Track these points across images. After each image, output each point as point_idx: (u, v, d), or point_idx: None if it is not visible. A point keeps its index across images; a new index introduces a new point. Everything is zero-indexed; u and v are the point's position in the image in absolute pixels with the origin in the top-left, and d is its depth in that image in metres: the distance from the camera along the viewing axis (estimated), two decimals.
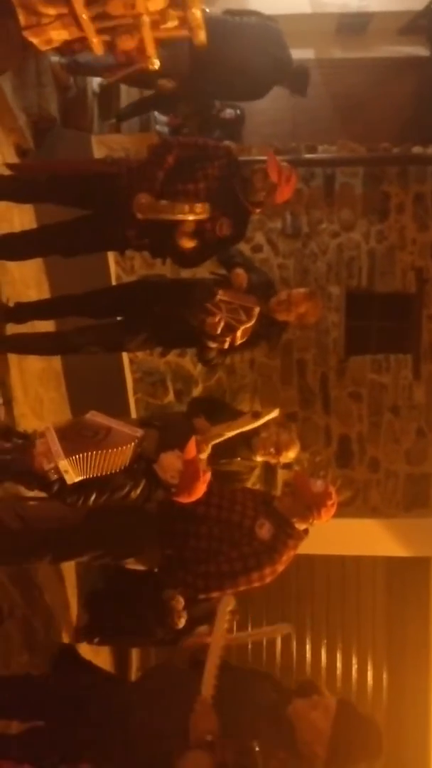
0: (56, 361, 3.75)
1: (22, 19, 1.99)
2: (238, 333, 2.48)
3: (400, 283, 4.21)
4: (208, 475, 2.09)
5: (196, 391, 4.25)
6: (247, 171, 2.57)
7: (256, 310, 2.50)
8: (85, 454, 1.91)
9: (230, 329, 2.46)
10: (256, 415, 2.54)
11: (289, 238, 4.07)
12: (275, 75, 3.55)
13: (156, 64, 2.06)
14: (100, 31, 1.99)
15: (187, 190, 2.50)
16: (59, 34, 2.05)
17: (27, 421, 3.17)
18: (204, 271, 2.95)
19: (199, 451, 2.21)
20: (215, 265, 2.83)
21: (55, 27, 2.01)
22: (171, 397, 4.26)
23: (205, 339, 2.54)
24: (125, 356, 4.06)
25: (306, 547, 2.32)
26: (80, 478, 1.95)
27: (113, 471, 1.98)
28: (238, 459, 2.66)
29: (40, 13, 1.97)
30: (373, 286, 4.20)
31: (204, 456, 2.29)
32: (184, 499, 2.10)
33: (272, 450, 2.56)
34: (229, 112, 4.40)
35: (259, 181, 2.51)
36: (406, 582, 4.72)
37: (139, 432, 2.04)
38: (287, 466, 2.62)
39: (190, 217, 2.44)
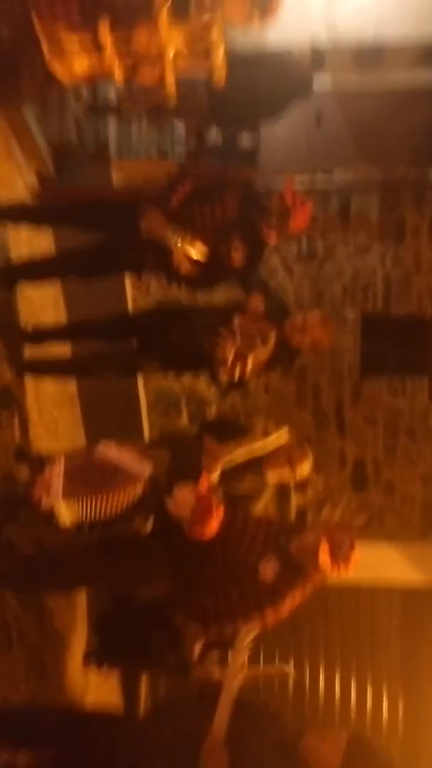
0: (71, 383, 3.79)
1: (45, 48, 2.04)
2: (249, 361, 2.48)
3: (416, 307, 4.20)
4: (222, 510, 2.06)
5: (210, 414, 4.25)
6: (263, 198, 2.61)
7: (273, 335, 2.51)
8: (83, 498, 1.93)
9: (241, 358, 2.47)
10: (266, 433, 2.52)
11: (304, 261, 4.10)
12: (294, 93, 3.64)
13: (173, 100, 2.11)
14: (122, 57, 2.02)
15: (204, 212, 2.54)
16: (82, 64, 2.10)
17: (41, 442, 3.20)
18: (220, 295, 2.98)
19: (209, 471, 2.20)
20: (231, 288, 2.86)
21: (78, 57, 2.07)
22: (185, 419, 4.27)
23: (216, 367, 2.55)
24: (140, 378, 4.09)
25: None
26: (73, 521, 1.96)
27: (117, 510, 1.98)
28: (249, 480, 2.64)
29: (64, 41, 2.03)
30: (388, 310, 4.20)
31: (214, 476, 2.27)
32: (198, 535, 2.07)
33: (285, 463, 2.53)
34: (245, 139, 4.48)
35: (276, 206, 2.55)
36: (422, 611, 4.61)
37: (148, 469, 2.04)
38: (301, 487, 2.58)
39: (184, 253, 2.44)
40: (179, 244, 2.45)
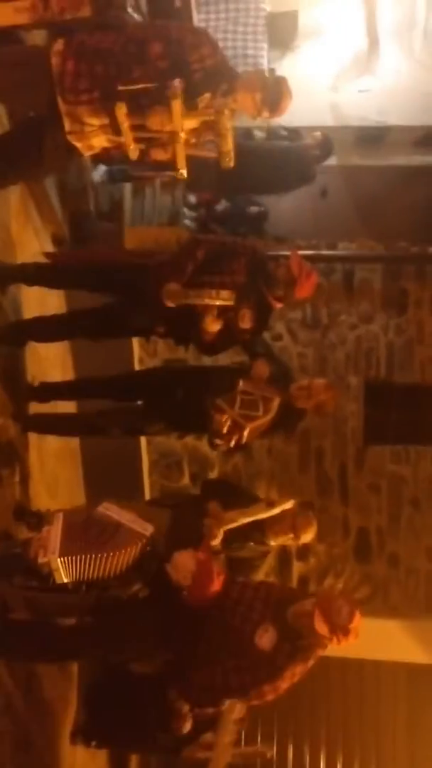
0: (74, 440, 3.78)
1: (67, 125, 2.18)
2: (245, 432, 2.48)
3: (419, 375, 4.24)
4: (223, 578, 2.00)
5: (212, 475, 4.21)
6: (270, 266, 2.69)
7: (276, 402, 2.53)
8: (81, 557, 1.89)
9: (238, 427, 2.48)
10: (271, 504, 2.48)
11: (308, 328, 4.18)
12: (300, 181, 3.86)
13: (184, 174, 2.23)
14: (137, 140, 2.16)
15: (213, 282, 2.61)
16: (100, 141, 2.24)
17: (41, 500, 3.15)
18: (225, 358, 3.02)
19: (211, 536, 2.15)
20: (237, 353, 2.90)
21: (97, 135, 2.21)
22: (186, 479, 4.22)
23: (212, 436, 2.55)
24: (142, 437, 4.08)
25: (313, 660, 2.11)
26: (69, 580, 1.92)
27: (115, 571, 1.93)
28: (251, 543, 2.58)
29: (85, 123, 2.17)
30: (391, 377, 4.24)
31: (216, 542, 2.22)
32: (196, 602, 2.00)
33: (289, 530, 2.47)
34: (253, 209, 4.68)
35: (282, 275, 2.62)
36: (430, 690, 4.38)
37: (149, 530, 2.00)
38: (303, 555, 2.51)
39: (217, 302, 2.54)
40: (207, 302, 2.50)
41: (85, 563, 1.90)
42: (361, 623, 2.01)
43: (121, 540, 1.93)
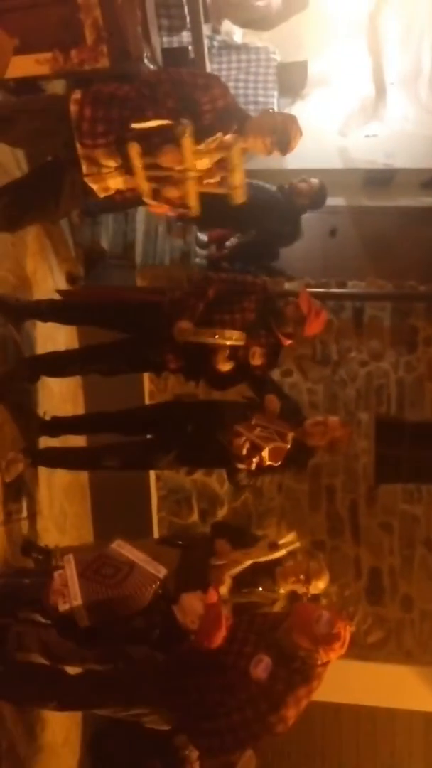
0: (83, 475, 3.78)
1: (84, 168, 2.27)
2: (264, 453, 2.47)
3: (429, 413, 4.21)
4: (230, 623, 1.95)
5: (222, 512, 4.16)
6: (280, 304, 2.73)
7: (290, 435, 2.53)
8: (100, 599, 1.87)
9: (256, 449, 2.47)
10: (273, 546, 2.42)
11: (319, 364, 4.19)
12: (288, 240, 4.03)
13: (196, 212, 2.29)
14: (150, 179, 2.23)
15: (224, 320, 2.65)
16: (115, 183, 2.32)
17: (49, 536, 3.13)
18: (234, 393, 3.02)
19: (218, 583, 2.11)
20: (247, 389, 2.91)
21: (113, 176, 2.29)
22: (195, 516, 4.18)
23: (233, 460, 2.55)
24: (152, 473, 4.06)
25: (332, 695, 2.06)
26: (92, 622, 1.90)
27: (131, 611, 1.90)
28: (260, 589, 2.53)
29: (102, 165, 2.26)
30: (402, 414, 4.21)
31: (224, 590, 2.18)
32: (203, 646, 1.96)
33: (302, 577, 2.41)
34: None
35: (291, 313, 2.65)
36: None
37: (162, 572, 1.97)
38: (315, 598, 2.44)
39: (228, 343, 2.56)
40: (217, 341, 2.53)
41: (104, 604, 1.87)
42: (348, 632, 1.94)
43: (136, 581, 1.91)
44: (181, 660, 2.02)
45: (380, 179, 5.26)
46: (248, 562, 2.34)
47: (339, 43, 5.17)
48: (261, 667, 1.92)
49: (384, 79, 5.14)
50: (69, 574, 1.90)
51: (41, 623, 2.39)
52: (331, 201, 4.83)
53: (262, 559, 2.40)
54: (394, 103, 5.20)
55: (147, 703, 2.07)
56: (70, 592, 1.87)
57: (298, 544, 2.48)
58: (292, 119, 2.27)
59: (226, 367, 2.61)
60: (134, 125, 2.09)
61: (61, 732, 3.10)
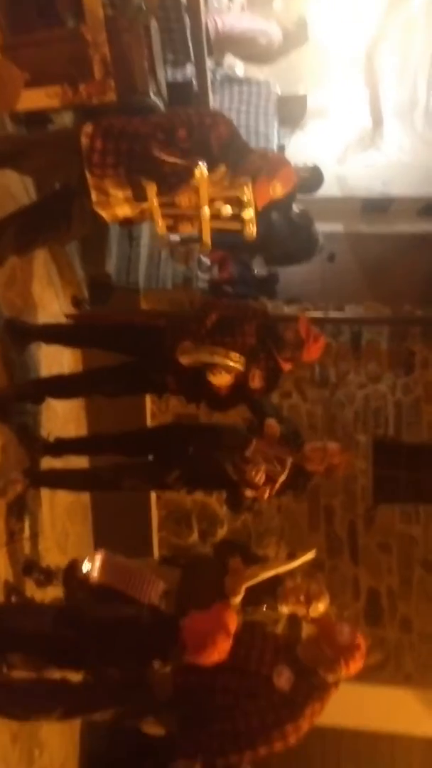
0: (85, 495, 3.81)
1: (94, 196, 2.37)
2: (276, 486, 2.52)
3: (426, 434, 4.27)
4: (228, 645, 1.98)
5: (222, 532, 4.19)
6: (279, 329, 2.80)
7: (289, 461, 2.57)
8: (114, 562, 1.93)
9: (271, 480, 2.51)
10: (292, 555, 2.46)
11: (317, 386, 4.25)
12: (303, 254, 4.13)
13: (209, 245, 2.38)
14: (165, 216, 2.32)
15: (225, 343, 2.71)
16: (123, 211, 2.42)
17: (51, 556, 3.16)
18: (235, 415, 3.08)
19: (233, 593, 2.15)
20: (245, 411, 2.97)
21: (120, 205, 2.38)
22: (195, 536, 4.20)
23: (244, 487, 2.58)
24: (152, 493, 4.10)
25: (331, 718, 2.11)
26: (99, 578, 1.97)
27: (135, 596, 1.95)
28: (264, 608, 2.55)
29: (110, 194, 2.35)
30: (400, 436, 4.27)
31: (237, 600, 2.21)
32: (202, 662, 1.98)
33: (302, 599, 2.45)
34: (264, 272, 4.87)
35: (291, 337, 2.71)
36: None
37: (161, 586, 2.02)
38: (314, 620, 2.47)
39: (230, 363, 2.62)
40: (218, 360, 2.59)
41: (117, 570, 1.95)
42: (364, 644, 2.06)
43: (137, 581, 1.97)
44: (194, 669, 2.04)
45: (377, 206, 5.40)
46: (267, 574, 2.37)
47: (337, 76, 5.35)
48: (283, 678, 2.00)
49: (381, 111, 5.31)
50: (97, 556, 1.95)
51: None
52: (330, 227, 4.96)
53: (282, 569, 2.42)
54: (390, 133, 5.36)
55: (157, 702, 2.09)
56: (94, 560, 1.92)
57: (312, 556, 2.50)
58: (278, 156, 2.39)
59: (219, 380, 2.63)
60: (157, 154, 2.18)
61: (59, 756, 3.09)
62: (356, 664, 2.03)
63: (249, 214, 2.23)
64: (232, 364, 2.61)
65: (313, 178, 3.97)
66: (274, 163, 2.31)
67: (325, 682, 2.04)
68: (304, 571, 2.60)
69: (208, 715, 2.03)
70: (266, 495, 2.55)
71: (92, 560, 2.01)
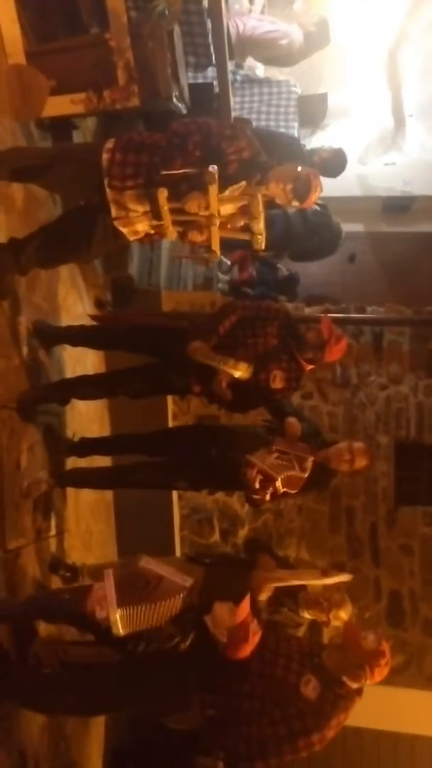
0: (108, 494, 3.86)
1: (113, 212, 2.38)
2: (278, 483, 2.50)
3: None
4: (257, 638, 2.00)
5: (243, 532, 4.21)
6: (301, 330, 2.81)
7: (310, 460, 2.57)
8: (135, 608, 1.96)
9: (269, 480, 2.49)
10: (326, 572, 2.44)
11: (338, 387, 4.25)
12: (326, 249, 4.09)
13: (218, 255, 2.40)
14: (175, 223, 2.34)
15: (247, 344, 2.73)
16: (143, 227, 2.43)
17: (76, 553, 3.22)
18: (256, 415, 3.10)
19: (260, 590, 2.16)
20: (265, 412, 2.98)
21: (140, 221, 2.40)
22: (216, 536, 4.23)
23: (246, 492, 2.59)
24: (174, 492, 4.14)
25: (353, 719, 2.11)
26: (127, 632, 1.98)
27: (162, 622, 1.99)
28: (285, 609, 2.56)
29: (130, 209, 2.37)
30: (422, 438, 4.24)
31: (263, 597, 2.22)
32: (229, 657, 2.03)
33: (324, 605, 2.42)
34: (285, 273, 4.88)
35: (313, 339, 2.71)
36: None
37: (189, 581, 2.05)
38: (339, 627, 2.46)
39: (235, 373, 2.63)
40: (224, 368, 2.62)
41: (139, 614, 1.97)
42: (389, 651, 2.05)
43: (166, 590, 1.99)
44: (221, 668, 2.07)
45: (399, 206, 5.37)
46: (296, 582, 2.35)
47: (359, 77, 5.33)
48: (311, 686, 2.01)
49: (403, 111, 5.28)
50: (108, 584, 1.99)
51: (60, 642, 2.47)
52: (351, 227, 4.94)
53: (311, 582, 2.39)
54: (412, 133, 5.32)
55: (182, 704, 2.12)
56: (108, 601, 1.95)
57: (347, 579, 2.48)
58: (315, 174, 2.35)
59: (224, 394, 2.64)
60: (164, 172, 2.21)
61: (85, 749, 3.15)
62: (381, 672, 2.03)
63: (259, 226, 2.24)
64: (237, 374, 2.62)
65: (336, 160, 3.87)
66: (305, 180, 2.29)
67: (350, 690, 2.04)
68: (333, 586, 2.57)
69: (235, 719, 2.04)
70: (268, 496, 2.53)
71: (103, 603, 1.97)
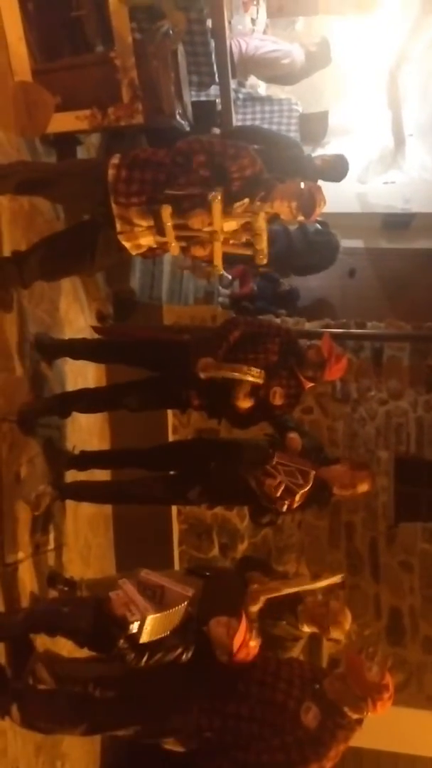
0: (107, 507, 3.84)
1: (118, 226, 2.41)
2: (297, 497, 2.52)
3: None
4: (257, 643, 2.00)
5: (242, 547, 4.19)
6: (302, 347, 2.82)
7: (312, 474, 2.57)
8: (162, 614, 1.94)
9: (290, 492, 2.51)
10: (317, 576, 2.45)
11: (339, 402, 4.25)
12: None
13: (220, 270, 2.42)
14: (178, 238, 2.36)
15: (248, 360, 2.74)
16: (147, 241, 2.46)
17: (74, 567, 3.20)
18: (256, 429, 3.10)
19: (253, 601, 2.15)
20: (267, 427, 2.99)
21: (144, 235, 2.42)
22: (216, 551, 4.21)
23: (264, 501, 2.59)
24: (173, 507, 4.12)
25: (352, 739, 2.07)
26: (149, 639, 1.95)
27: (168, 632, 1.97)
28: (284, 623, 2.54)
29: (134, 224, 2.39)
30: (422, 453, 4.24)
31: (255, 608, 2.21)
32: (230, 663, 2.02)
33: (322, 618, 2.41)
34: (286, 287, 4.91)
35: (313, 357, 2.73)
36: None
37: (190, 591, 2.05)
38: (341, 653, 2.44)
39: (249, 378, 2.64)
40: (238, 376, 2.61)
41: (163, 621, 1.95)
42: (392, 682, 2.01)
43: (169, 600, 1.97)
44: (222, 687, 2.05)
45: (399, 223, 5.41)
46: (289, 590, 2.35)
47: (359, 96, 5.40)
48: (311, 715, 1.97)
49: (403, 130, 5.34)
50: (130, 591, 1.96)
51: (57, 657, 2.45)
52: (350, 243, 4.98)
53: (305, 588, 2.40)
54: (412, 153, 5.38)
55: (182, 722, 2.09)
56: (139, 606, 1.91)
57: (339, 580, 2.48)
58: (317, 188, 2.38)
59: (245, 403, 2.65)
60: (169, 192, 2.23)
61: (79, 767, 3.10)
62: (384, 705, 1.98)
63: (262, 243, 2.26)
64: (251, 379, 2.63)
65: (337, 166, 3.87)
66: (309, 196, 2.32)
67: (350, 720, 2.00)
68: (326, 590, 2.59)
69: (232, 743, 2.00)
70: (285, 507, 2.53)
71: (133, 608, 1.94)
